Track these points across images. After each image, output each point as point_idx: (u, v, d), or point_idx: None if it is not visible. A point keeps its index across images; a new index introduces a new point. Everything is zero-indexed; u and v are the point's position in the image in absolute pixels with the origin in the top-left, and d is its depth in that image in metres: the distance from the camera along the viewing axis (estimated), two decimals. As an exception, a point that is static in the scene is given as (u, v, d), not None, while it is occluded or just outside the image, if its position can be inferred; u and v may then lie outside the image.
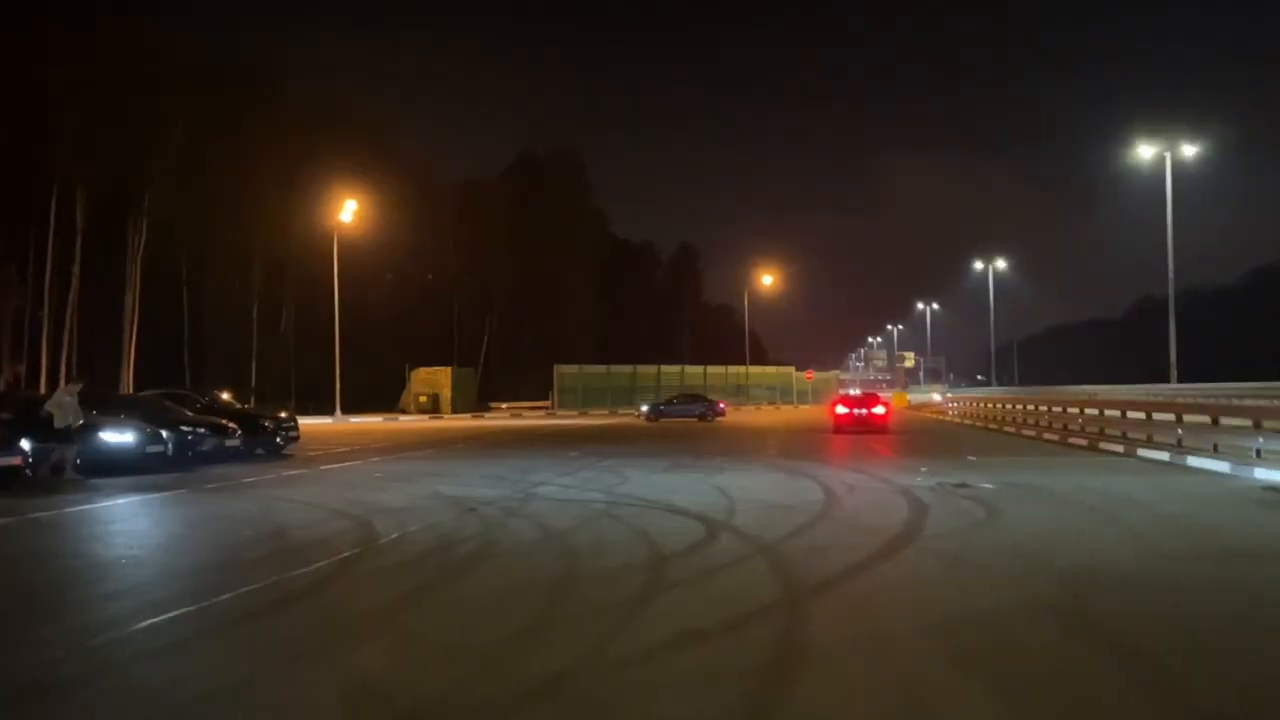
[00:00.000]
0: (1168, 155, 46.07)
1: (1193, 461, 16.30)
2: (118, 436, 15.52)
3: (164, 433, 16.54)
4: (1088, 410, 25.88)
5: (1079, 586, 6.66)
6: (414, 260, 59.51)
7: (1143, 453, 18.63)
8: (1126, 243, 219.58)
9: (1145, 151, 46.53)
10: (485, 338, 69.37)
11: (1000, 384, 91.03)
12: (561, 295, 72.22)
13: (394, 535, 8.97)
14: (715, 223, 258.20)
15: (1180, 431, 18.93)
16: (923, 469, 15.72)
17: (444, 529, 9.40)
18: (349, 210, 49.69)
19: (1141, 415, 21.49)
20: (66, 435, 14.21)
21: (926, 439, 26.95)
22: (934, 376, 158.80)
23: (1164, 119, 47.61)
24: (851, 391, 33.31)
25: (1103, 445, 21.00)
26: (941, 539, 8.72)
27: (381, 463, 18.71)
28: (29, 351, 46.54)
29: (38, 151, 43.21)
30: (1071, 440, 23.16)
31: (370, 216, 54.81)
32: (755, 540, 8.53)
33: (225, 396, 23.45)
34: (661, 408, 45.05)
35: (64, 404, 14.37)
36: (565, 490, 12.99)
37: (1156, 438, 19.94)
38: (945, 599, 6.26)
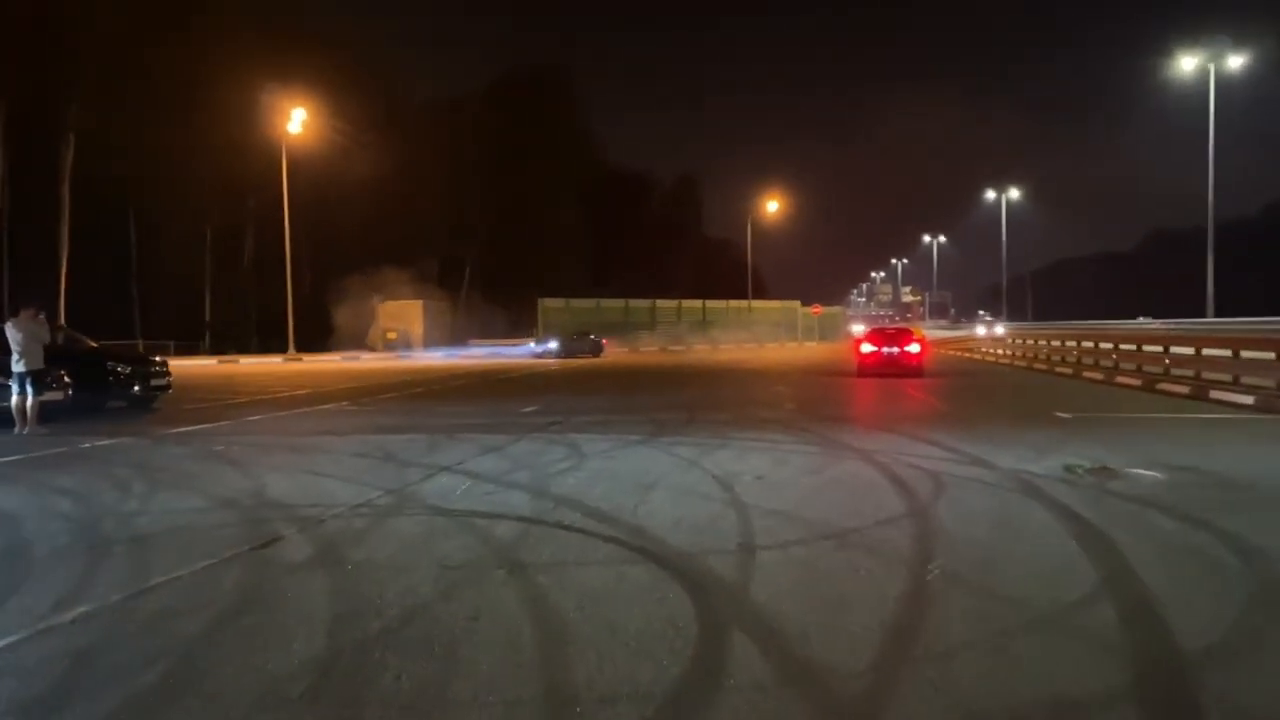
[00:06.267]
0: (1211, 67, 40.83)
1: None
2: None
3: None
4: (1175, 349, 20.99)
5: None
6: (388, 185, 53.81)
7: (1287, 406, 13.98)
8: (1138, 176, 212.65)
9: (1187, 64, 41.35)
10: (465, 270, 63.93)
11: (1010, 319, 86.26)
12: (550, 224, 66.67)
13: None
14: (716, 158, 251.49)
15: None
16: (1012, 437, 10.73)
17: (132, 627, 4.40)
18: (298, 120, 43.89)
19: (1270, 355, 16.55)
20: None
21: (976, 384, 21.92)
22: (940, 311, 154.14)
23: (1194, 39, 42.31)
24: (858, 328, 28.58)
25: (1214, 394, 16.27)
26: (1245, 674, 3.75)
27: (260, 421, 13.77)
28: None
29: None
30: (1161, 386, 18.39)
31: (338, 138, 49.25)
32: (819, 695, 3.58)
33: (106, 342, 18.46)
34: None
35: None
36: (472, 487, 7.94)
37: (1290, 386, 15.49)
38: None
